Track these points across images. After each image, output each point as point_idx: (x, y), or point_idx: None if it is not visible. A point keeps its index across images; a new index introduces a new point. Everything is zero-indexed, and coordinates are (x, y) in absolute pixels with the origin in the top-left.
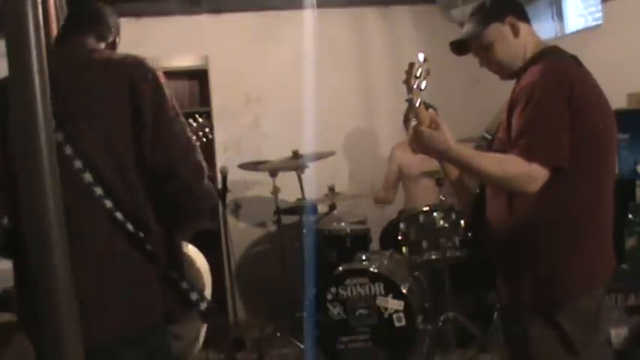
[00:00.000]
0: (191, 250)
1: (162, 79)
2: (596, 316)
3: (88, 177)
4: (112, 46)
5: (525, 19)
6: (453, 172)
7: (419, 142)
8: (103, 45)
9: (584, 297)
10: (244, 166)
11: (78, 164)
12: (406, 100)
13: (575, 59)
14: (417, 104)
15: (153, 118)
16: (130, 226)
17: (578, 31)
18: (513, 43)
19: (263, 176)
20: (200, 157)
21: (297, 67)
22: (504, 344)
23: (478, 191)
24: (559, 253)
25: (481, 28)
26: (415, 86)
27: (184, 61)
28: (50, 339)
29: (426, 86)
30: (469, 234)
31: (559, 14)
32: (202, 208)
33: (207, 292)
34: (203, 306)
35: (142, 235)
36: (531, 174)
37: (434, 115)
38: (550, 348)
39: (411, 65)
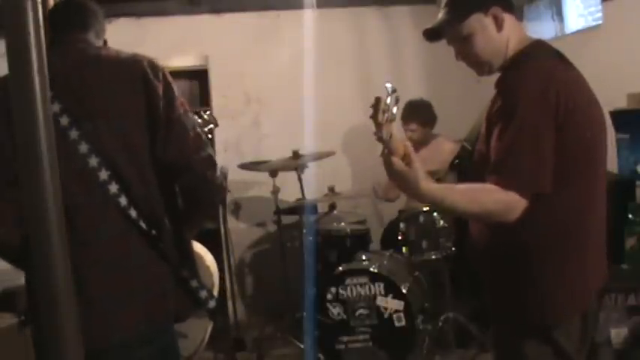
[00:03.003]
0: (200, 249)
1: (169, 76)
2: (592, 328)
3: (103, 175)
4: (105, 43)
5: (510, 9)
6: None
7: (390, 174)
8: (100, 42)
9: (578, 316)
10: (244, 166)
11: (93, 162)
12: (374, 134)
13: (560, 57)
14: (389, 137)
15: (165, 115)
16: (143, 224)
17: (578, 31)
18: (496, 38)
19: (263, 176)
20: (211, 151)
21: (297, 67)
22: None
23: None
24: (548, 277)
25: (460, 18)
26: (385, 120)
27: (184, 61)
28: (50, 339)
29: (394, 116)
30: (453, 249)
31: (559, 14)
32: (216, 199)
33: (215, 291)
34: (212, 304)
35: (154, 233)
36: (509, 204)
37: (409, 149)
38: None
39: (378, 100)
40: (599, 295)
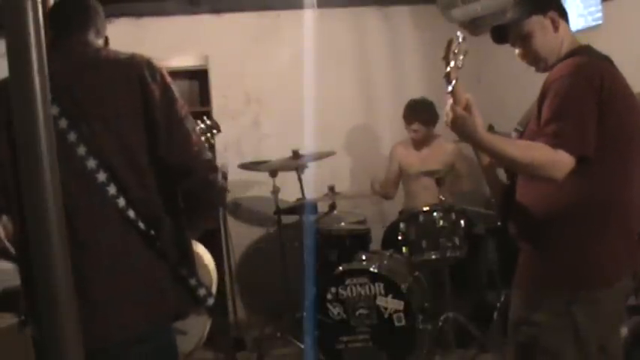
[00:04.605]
0: (199, 248)
1: (168, 78)
2: (613, 315)
3: (101, 177)
4: (106, 40)
5: (565, 18)
6: (485, 159)
7: (452, 122)
8: (100, 40)
9: (603, 290)
10: (244, 166)
11: (92, 164)
12: (444, 77)
13: (607, 59)
14: (454, 82)
15: (165, 118)
16: (141, 225)
17: (578, 31)
18: (552, 38)
19: (263, 176)
20: (210, 154)
21: (297, 67)
22: (511, 330)
23: (509, 182)
24: (582, 241)
25: (523, 17)
26: (453, 63)
27: (184, 61)
28: (50, 339)
29: (462, 65)
30: (498, 223)
31: None
32: (217, 202)
33: (213, 289)
34: (210, 302)
35: (153, 233)
36: (557, 161)
37: (470, 101)
38: (559, 338)
39: (450, 41)
40: (628, 289)
